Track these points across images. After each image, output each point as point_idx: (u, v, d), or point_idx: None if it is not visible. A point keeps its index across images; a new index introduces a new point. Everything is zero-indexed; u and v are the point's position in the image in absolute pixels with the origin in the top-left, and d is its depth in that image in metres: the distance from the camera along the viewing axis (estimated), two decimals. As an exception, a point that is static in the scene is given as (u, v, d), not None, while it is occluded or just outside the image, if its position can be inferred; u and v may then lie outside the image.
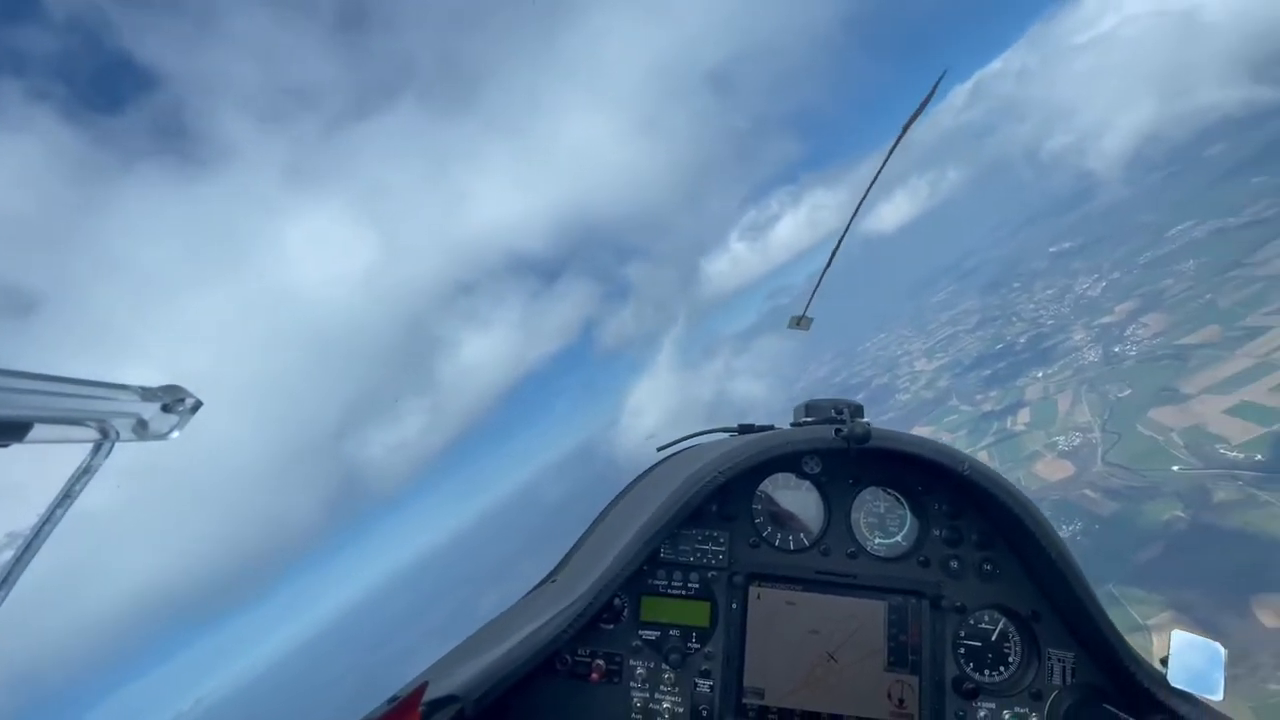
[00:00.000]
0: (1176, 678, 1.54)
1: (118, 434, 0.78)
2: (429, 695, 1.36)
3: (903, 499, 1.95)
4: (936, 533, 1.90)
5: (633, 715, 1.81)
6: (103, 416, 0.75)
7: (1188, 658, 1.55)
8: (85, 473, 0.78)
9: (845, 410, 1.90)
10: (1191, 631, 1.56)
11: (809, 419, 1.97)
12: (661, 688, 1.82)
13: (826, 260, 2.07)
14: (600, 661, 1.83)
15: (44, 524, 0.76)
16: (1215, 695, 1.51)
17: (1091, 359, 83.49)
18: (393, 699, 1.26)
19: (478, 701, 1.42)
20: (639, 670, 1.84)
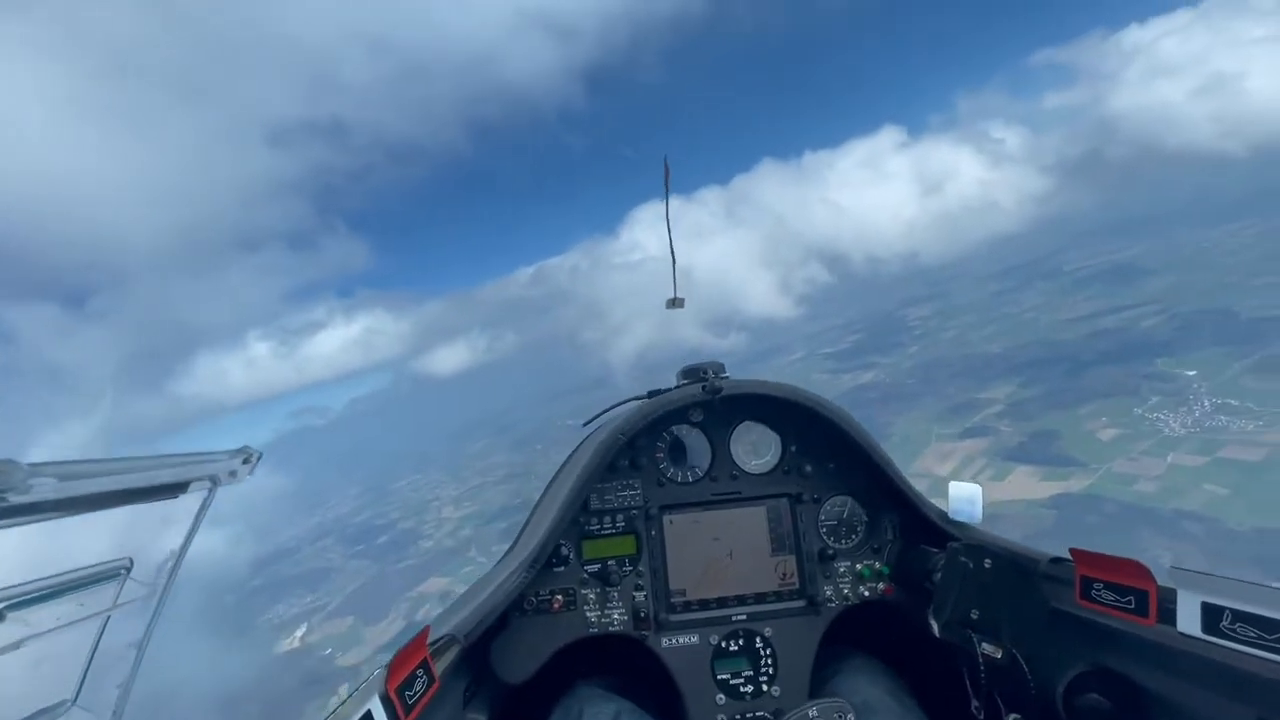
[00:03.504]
0: (953, 514, 2.21)
1: (218, 481, 1.20)
2: (431, 636, 1.74)
3: (767, 428, 2.51)
4: (793, 448, 2.49)
5: (590, 628, 2.29)
6: (213, 473, 1.18)
7: (959, 498, 2.20)
8: (203, 509, 1.20)
9: (710, 370, 2.45)
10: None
11: (685, 381, 2.49)
12: (608, 605, 2.32)
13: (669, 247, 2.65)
14: (559, 596, 2.31)
15: (186, 543, 1.21)
16: (977, 520, 2.18)
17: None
18: (402, 646, 1.56)
19: (467, 636, 1.85)
20: (590, 596, 2.33)
